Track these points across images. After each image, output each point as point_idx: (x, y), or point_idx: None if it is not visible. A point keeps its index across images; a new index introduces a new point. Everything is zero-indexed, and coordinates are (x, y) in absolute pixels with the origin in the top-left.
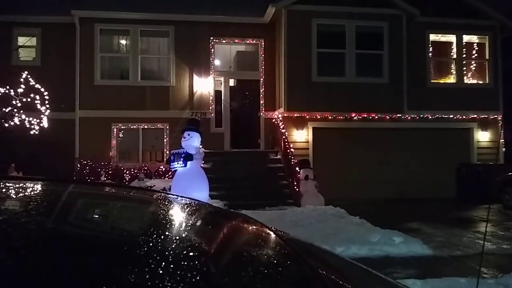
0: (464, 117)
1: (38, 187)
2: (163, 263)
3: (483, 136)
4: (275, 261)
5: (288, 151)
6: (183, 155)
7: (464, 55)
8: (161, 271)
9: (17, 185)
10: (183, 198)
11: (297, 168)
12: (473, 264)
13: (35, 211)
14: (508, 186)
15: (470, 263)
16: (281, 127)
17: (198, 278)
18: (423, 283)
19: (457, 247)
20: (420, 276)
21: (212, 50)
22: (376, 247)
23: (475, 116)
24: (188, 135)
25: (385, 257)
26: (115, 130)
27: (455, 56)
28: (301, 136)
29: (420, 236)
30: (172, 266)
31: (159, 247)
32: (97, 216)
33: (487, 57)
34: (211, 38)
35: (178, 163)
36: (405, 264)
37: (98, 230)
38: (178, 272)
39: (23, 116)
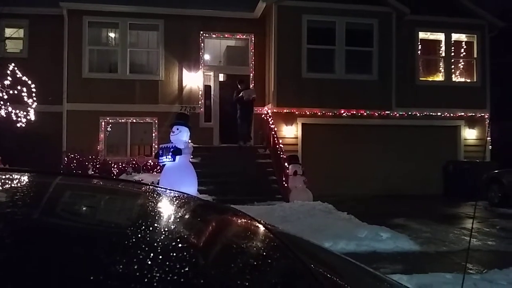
0: (451, 114)
1: (26, 178)
2: (152, 254)
3: (470, 134)
4: (264, 254)
5: (277, 146)
6: (171, 149)
7: (453, 54)
8: (149, 262)
9: (4, 176)
10: (172, 191)
11: (286, 164)
12: (459, 260)
13: (22, 203)
14: (494, 184)
15: (456, 259)
16: (271, 122)
17: (186, 269)
18: (410, 278)
19: (444, 243)
20: (407, 271)
21: (202, 44)
22: (363, 243)
23: (463, 114)
24: (177, 129)
25: (372, 252)
26: (103, 123)
27: (443, 54)
28: (290, 132)
29: (407, 232)
30: (160, 257)
31: (148, 239)
32: (85, 208)
33: (475, 55)
34: (201, 32)
35: (166, 158)
36: (392, 259)
37: (86, 221)
38: (167, 263)
39: (10, 109)
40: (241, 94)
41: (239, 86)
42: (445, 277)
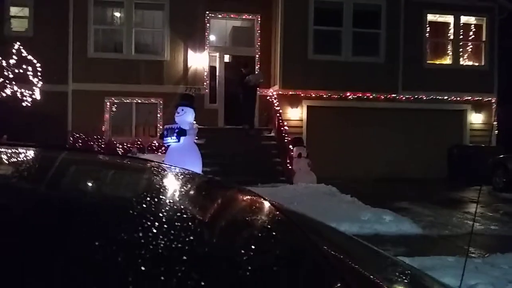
0: (458, 98)
1: (33, 153)
2: (156, 224)
3: (476, 118)
4: (269, 228)
5: (282, 128)
6: (176, 130)
7: (461, 36)
8: (154, 231)
9: (12, 151)
10: (178, 168)
11: (290, 146)
12: (461, 243)
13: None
14: (499, 168)
15: (458, 243)
16: (276, 104)
17: (191, 238)
18: (412, 261)
19: (446, 227)
20: (409, 254)
21: (208, 25)
22: (366, 225)
23: (469, 98)
24: (182, 110)
25: (375, 235)
26: (108, 103)
27: (452, 37)
28: (295, 114)
29: (410, 215)
30: (166, 226)
31: (153, 210)
32: (92, 181)
33: (483, 38)
34: (207, 12)
35: (171, 138)
36: (394, 242)
37: (93, 194)
38: (172, 232)
39: (15, 88)
40: (248, 78)
41: (242, 71)
42: (447, 260)
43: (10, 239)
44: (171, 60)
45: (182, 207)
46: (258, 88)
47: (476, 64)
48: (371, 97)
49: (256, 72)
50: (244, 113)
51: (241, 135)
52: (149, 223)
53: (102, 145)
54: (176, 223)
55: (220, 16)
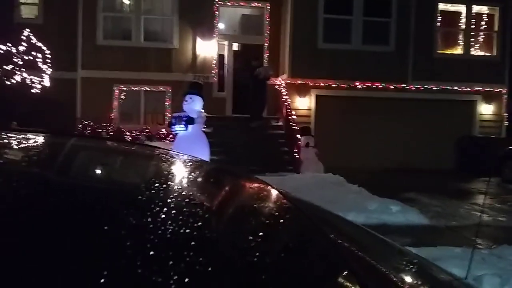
0: (468, 89)
1: (42, 139)
2: (165, 210)
3: (486, 109)
4: (277, 215)
5: (290, 118)
6: (184, 118)
7: (473, 26)
8: (163, 217)
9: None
10: (186, 155)
11: (298, 135)
12: (468, 234)
13: (40, 162)
14: (508, 160)
15: (465, 234)
16: (284, 93)
17: (199, 224)
18: (418, 251)
19: (454, 218)
20: (415, 244)
21: (217, 12)
22: (373, 215)
23: (480, 88)
24: (190, 98)
25: (382, 225)
26: (117, 91)
27: (463, 26)
28: (304, 104)
29: (418, 206)
30: (174, 212)
31: (161, 196)
32: (101, 167)
33: (496, 29)
34: (216, 0)
35: (179, 126)
36: (401, 232)
37: (102, 180)
38: (181, 218)
39: (25, 75)
40: (257, 71)
41: (252, 63)
42: (453, 251)
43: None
44: (180, 48)
45: (190, 193)
46: (267, 81)
47: (488, 54)
48: (380, 86)
49: (266, 65)
50: (251, 105)
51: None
52: (158, 209)
53: (111, 133)
54: (184, 210)
55: (229, 4)
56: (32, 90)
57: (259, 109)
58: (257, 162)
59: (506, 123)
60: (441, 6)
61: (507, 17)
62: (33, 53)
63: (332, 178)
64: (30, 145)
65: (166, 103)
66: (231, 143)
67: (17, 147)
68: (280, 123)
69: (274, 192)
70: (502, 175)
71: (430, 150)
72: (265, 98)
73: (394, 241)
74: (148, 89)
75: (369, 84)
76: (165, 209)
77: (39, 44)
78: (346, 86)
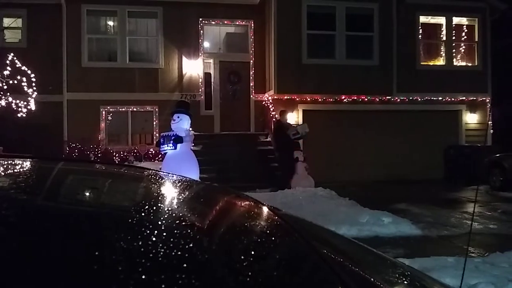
0: (453, 99)
1: (30, 164)
2: (156, 232)
3: (471, 118)
4: (268, 233)
5: None
6: (172, 137)
7: (454, 37)
8: (153, 239)
9: (8, 163)
10: (175, 175)
11: None
12: (460, 243)
13: (28, 187)
14: (495, 168)
15: (457, 243)
16: (271, 109)
17: (191, 245)
18: (412, 262)
19: (445, 227)
20: (409, 255)
21: (201, 31)
22: (365, 228)
23: (464, 98)
24: (178, 117)
25: (374, 237)
26: (103, 112)
27: (444, 38)
28: (291, 119)
29: (409, 216)
30: (165, 234)
31: (152, 218)
32: (90, 191)
33: (476, 39)
34: (200, 19)
35: (168, 146)
36: (394, 243)
37: (91, 203)
38: (171, 240)
39: (10, 99)
40: (295, 131)
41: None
42: (446, 261)
43: (10, 250)
44: (165, 67)
45: (180, 214)
46: (253, 94)
47: (470, 64)
48: (366, 99)
49: (301, 124)
50: (280, 167)
51: (237, 140)
52: (148, 231)
53: (99, 154)
54: (175, 231)
55: (213, 22)
56: (18, 114)
57: (288, 175)
58: (247, 178)
59: (491, 131)
60: (422, 19)
61: (486, 28)
62: (18, 77)
63: (322, 192)
64: (17, 171)
65: (153, 122)
66: (221, 160)
67: (4, 173)
68: (269, 139)
69: (264, 210)
70: (490, 182)
71: (418, 160)
72: (293, 161)
73: (387, 253)
74: (135, 110)
75: (355, 98)
76: (155, 231)
77: (24, 68)
78: (332, 100)
